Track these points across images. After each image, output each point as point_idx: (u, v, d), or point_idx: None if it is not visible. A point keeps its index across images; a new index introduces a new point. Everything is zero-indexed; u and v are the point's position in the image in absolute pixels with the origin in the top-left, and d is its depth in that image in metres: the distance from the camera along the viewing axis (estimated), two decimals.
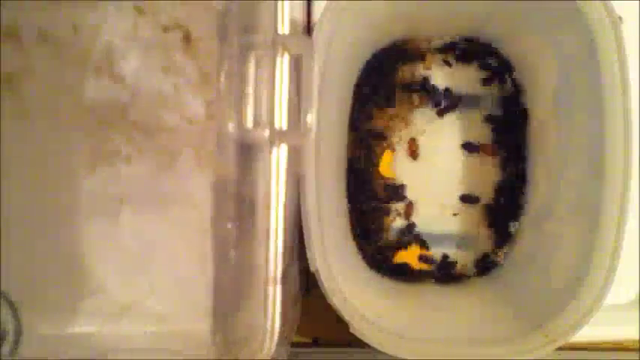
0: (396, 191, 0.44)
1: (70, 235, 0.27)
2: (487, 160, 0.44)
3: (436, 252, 0.44)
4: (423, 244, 0.44)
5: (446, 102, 0.44)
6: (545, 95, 0.40)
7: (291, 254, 0.33)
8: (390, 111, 0.44)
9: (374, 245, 0.44)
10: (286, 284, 0.29)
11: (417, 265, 0.44)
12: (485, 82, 0.44)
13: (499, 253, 0.44)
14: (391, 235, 0.44)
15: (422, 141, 0.44)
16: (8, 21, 0.26)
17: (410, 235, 0.44)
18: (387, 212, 0.44)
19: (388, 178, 0.44)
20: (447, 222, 0.44)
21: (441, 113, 0.44)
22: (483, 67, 0.44)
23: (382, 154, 0.44)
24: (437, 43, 0.45)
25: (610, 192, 0.32)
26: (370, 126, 0.44)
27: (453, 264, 0.44)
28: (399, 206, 0.44)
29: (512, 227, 0.43)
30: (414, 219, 0.44)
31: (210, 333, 0.28)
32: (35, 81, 0.27)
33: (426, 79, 0.44)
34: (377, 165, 0.44)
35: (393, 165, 0.44)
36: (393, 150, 0.44)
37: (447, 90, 0.44)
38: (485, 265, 0.44)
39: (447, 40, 0.44)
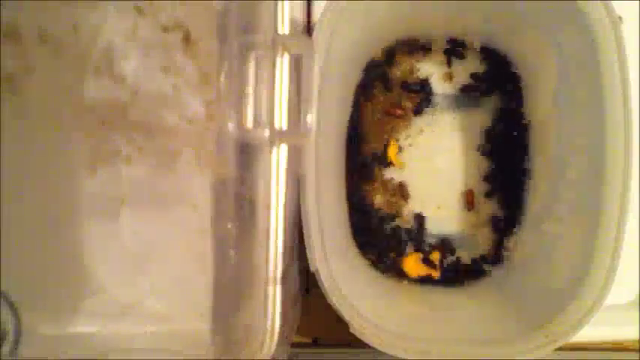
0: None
1: (70, 235, 0.27)
2: (487, 160, 0.44)
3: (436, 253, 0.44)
4: (423, 247, 0.44)
5: (444, 102, 0.44)
6: (545, 95, 0.40)
7: (291, 254, 0.33)
8: (391, 111, 0.44)
9: (374, 245, 0.44)
10: (286, 284, 0.29)
11: (417, 271, 0.44)
12: (486, 81, 0.44)
13: (499, 253, 0.44)
14: (390, 236, 0.44)
15: (422, 141, 0.44)
16: (8, 21, 0.26)
17: (410, 236, 0.44)
18: (388, 214, 0.44)
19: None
20: (446, 222, 0.44)
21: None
22: (484, 66, 0.44)
23: (388, 145, 0.44)
24: (437, 43, 0.45)
25: (610, 192, 0.32)
26: (370, 126, 0.44)
27: (453, 266, 0.44)
28: (394, 188, 0.44)
29: (513, 227, 0.43)
30: (414, 219, 0.44)
31: (210, 333, 0.28)
32: (35, 81, 0.27)
33: (425, 80, 0.44)
34: (383, 158, 0.44)
35: (400, 155, 0.44)
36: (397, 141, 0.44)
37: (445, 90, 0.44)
38: (485, 265, 0.44)
39: (447, 39, 0.44)
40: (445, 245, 0.44)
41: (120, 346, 0.28)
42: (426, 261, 0.43)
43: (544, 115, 0.41)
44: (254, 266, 0.26)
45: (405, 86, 0.44)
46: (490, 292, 0.41)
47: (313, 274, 0.33)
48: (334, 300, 0.33)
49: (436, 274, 0.43)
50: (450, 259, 0.44)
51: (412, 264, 0.43)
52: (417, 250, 0.44)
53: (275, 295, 0.26)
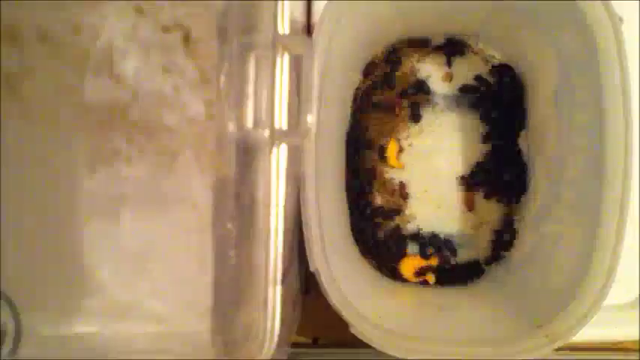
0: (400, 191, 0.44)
1: (70, 235, 0.27)
2: (487, 160, 0.44)
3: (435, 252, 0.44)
4: (423, 247, 0.44)
5: (444, 102, 0.44)
6: (545, 95, 0.40)
7: (291, 254, 0.33)
8: (391, 111, 0.44)
9: (373, 245, 0.44)
10: (286, 284, 0.29)
11: (413, 275, 0.44)
12: (486, 81, 0.44)
13: (499, 253, 0.44)
14: (390, 236, 0.44)
15: (422, 141, 0.44)
16: (8, 21, 0.26)
17: (410, 237, 0.44)
18: (388, 214, 0.44)
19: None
20: (446, 222, 0.44)
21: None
22: (484, 66, 0.44)
23: (388, 145, 0.44)
24: (437, 42, 0.45)
25: (610, 192, 0.32)
26: (370, 126, 0.44)
27: (452, 267, 0.44)
28: (394, 188, 0.44)
29: (513, 227, 0.43)
30: (413, 219, 0.44)
31: (210, 333, 0.28)
32: (35, 81, 0.27)
33: (424, 80, 0.44)
34: (382, 160, 0.44)
35: (400, 155, 0.44)
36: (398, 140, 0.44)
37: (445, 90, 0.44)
38: (485, 265, 0.44)
39: (447, 40, 0.44)
40: (446, 246, 0.44)
41: (119, 346, 0.28)
42: (423, 267, 0.43)
43: (544, 115, 0.41)
44: (254, 266, 0.26)
45: (405, 87, 0.44)
46: (490, 292, 0.41)
47: (313, 274, 0.33)
48: (334, 300, 0.33)
49: (432, 279, 0.43)
50: (451, 259, 0.44)
51: (409, 267, 0.43)
52: (415, 252, 0.44)
53: (275, 295, 0.26)
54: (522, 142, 0.43)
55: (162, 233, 0.28)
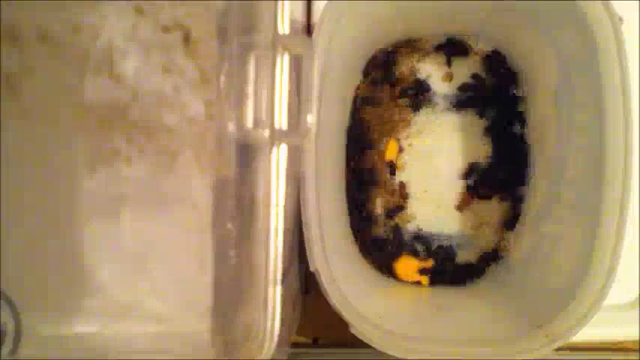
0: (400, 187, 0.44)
1: (70, 235, 0.27)
2: (487, 159, 0.44)
3: (435, 252, 0.44)
4: (423, 248, 0.44)
5: (444, 102, 0.44)
6: (545, 95, 0.40)
7: (291, 254, 0.33)
8: (390, 111, 0.44)
9: (372, 245, 0.44)
10: (286, 284, 0.29)
11: (408, 276, 0.44)
12: (482, 79, 0.44)
13: (499, 253, 0.44)
14: (389, 235, 0.44)
15: (422, 141, 0.44)
16: (8, 21, 0.26)
17: (409, 238, 0.44)
18: (388, 214, 0.44)
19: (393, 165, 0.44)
20: (446, 223, 0.44)
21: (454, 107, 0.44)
22: (483, 66, 0.44)
23: (388, 144, 0.44)
24: (437, 42, 0.45)
25: (610, 192, 0.32)
26: (370, 126, 0.44)
27: (452, 267, 0.44)
28: (394, 188, 0.44)
29: (512, 227, 0.43)
30: (413, 219, 0.44)
31: (209, 333, 0.28)
32: (35, 81, 0.27)
33: (424, 80, 0.44)
34: (379, 159, 0.44)
35: (400, 156, 0.44)
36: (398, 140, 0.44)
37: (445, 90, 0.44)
38: (485, 265, 0.44)
39: (447, 39, 0.44)
40: (446, 246, 0.44)
41: (119, 346, 0.28)
42: (420, 267, 0.43)
43: (544, 115, 0.41)
44: (254, 266, 0.26)
45: (405, 87, 0.44)
46: (490, 292, 0.41)
47: (313, 274, 0.33)
48: (334, 300, 0.33)
49: (425, 281, 0.43)
50: (450, 259, 0.44)
51: (405, 268, 0.43)
52: (415, 252, 0.44)
53: (275, 295, 0.26)
54: (522, 142, 0.43)
55: (163, 233, 0.28)
